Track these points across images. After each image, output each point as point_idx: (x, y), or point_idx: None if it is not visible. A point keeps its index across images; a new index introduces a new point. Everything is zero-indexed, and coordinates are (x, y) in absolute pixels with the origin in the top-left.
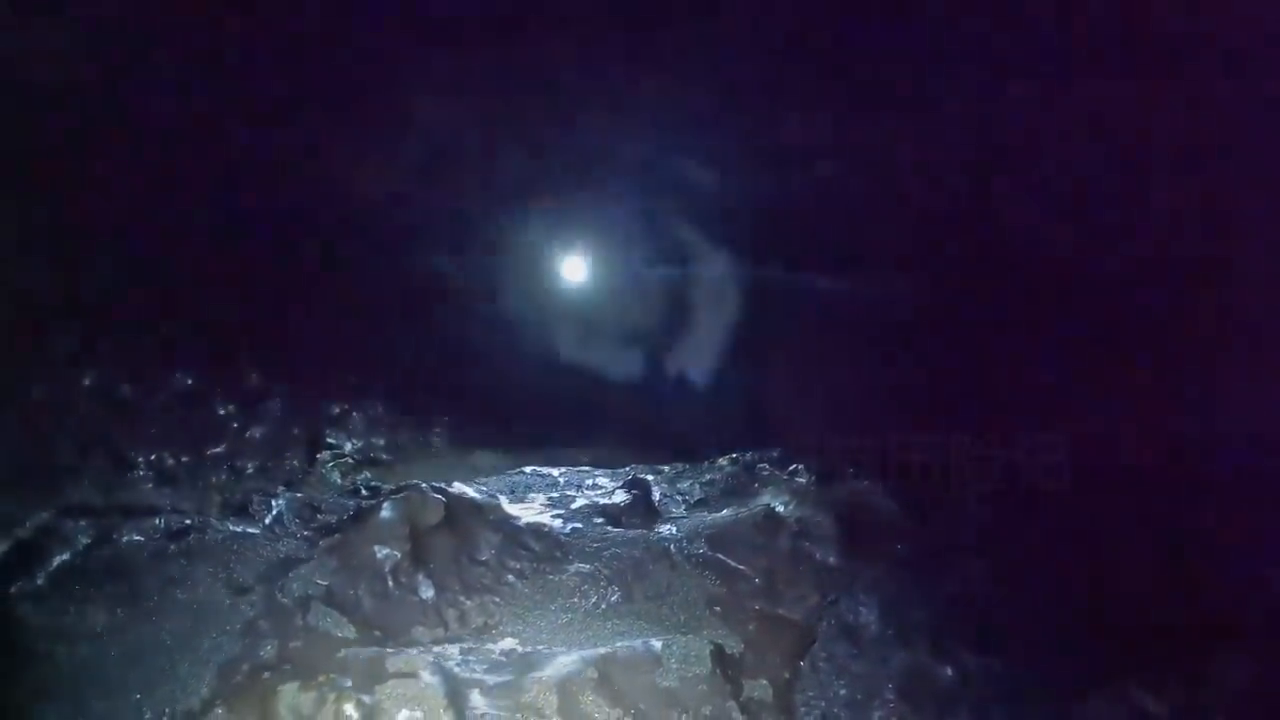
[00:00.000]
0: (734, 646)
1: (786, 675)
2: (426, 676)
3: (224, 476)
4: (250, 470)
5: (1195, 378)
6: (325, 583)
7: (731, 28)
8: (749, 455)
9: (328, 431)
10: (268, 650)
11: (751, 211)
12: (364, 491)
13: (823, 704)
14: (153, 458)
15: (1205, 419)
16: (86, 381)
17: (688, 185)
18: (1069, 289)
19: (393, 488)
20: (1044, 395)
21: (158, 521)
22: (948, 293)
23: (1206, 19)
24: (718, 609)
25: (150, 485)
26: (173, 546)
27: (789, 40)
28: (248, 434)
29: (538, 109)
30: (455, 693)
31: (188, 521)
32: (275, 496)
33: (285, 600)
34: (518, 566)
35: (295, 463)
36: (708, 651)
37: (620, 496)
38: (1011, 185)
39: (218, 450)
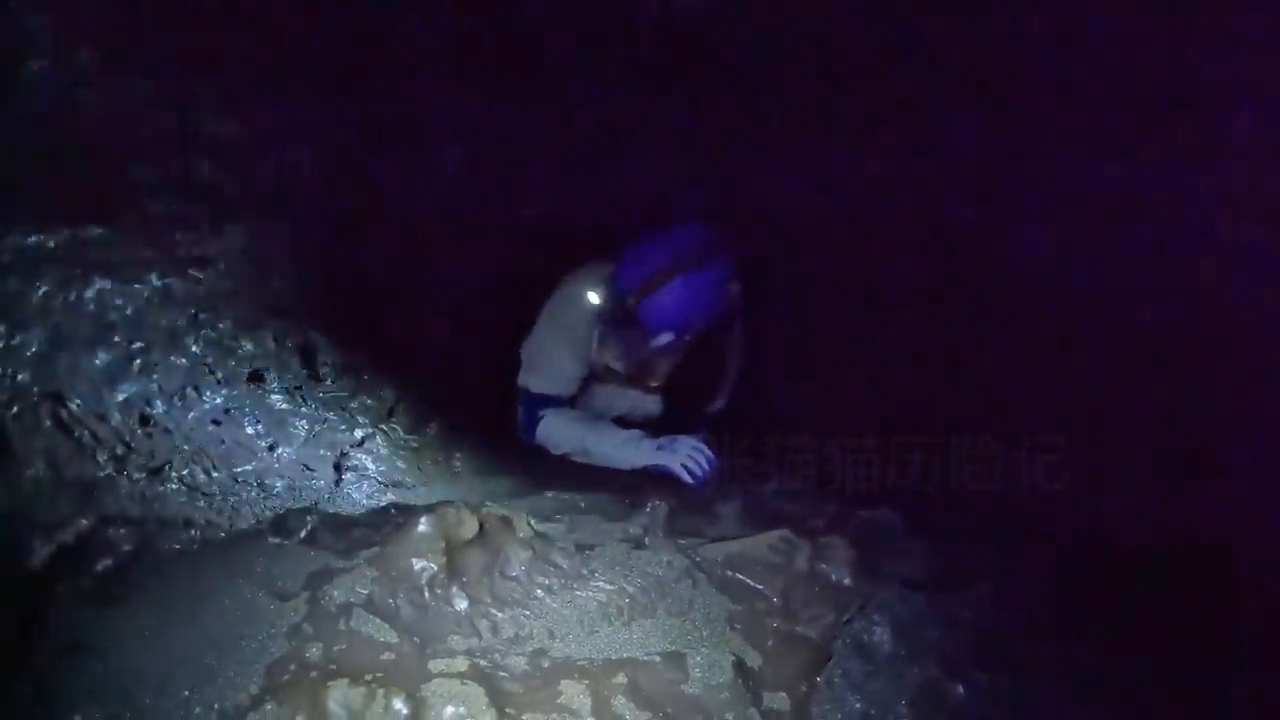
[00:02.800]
0: (754, 660)
1: (804, 688)
2: (467, 678)
3: (254, 493)
4: (279, 488)
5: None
6: (365, 591)
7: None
8: (768, 485)
9: (353, 452)
10: (314, 652)
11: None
12: (393, 511)
13: (838, 716)
14: (185, 472)
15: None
16: (121, 396)
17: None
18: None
19: (426, 505)
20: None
21: (194, 533)
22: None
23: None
24: (738, 626)
25: (184, 499)
26: (214, 556)
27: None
28: (276, 453)
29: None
30: (496, 692)
31: (222, 534)
32: (309, 512)
33: (328, 606)
34: (546, 582)
35: (322, 482)
36: (730, 664)
37: (643, 519)
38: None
39: (246, 468)
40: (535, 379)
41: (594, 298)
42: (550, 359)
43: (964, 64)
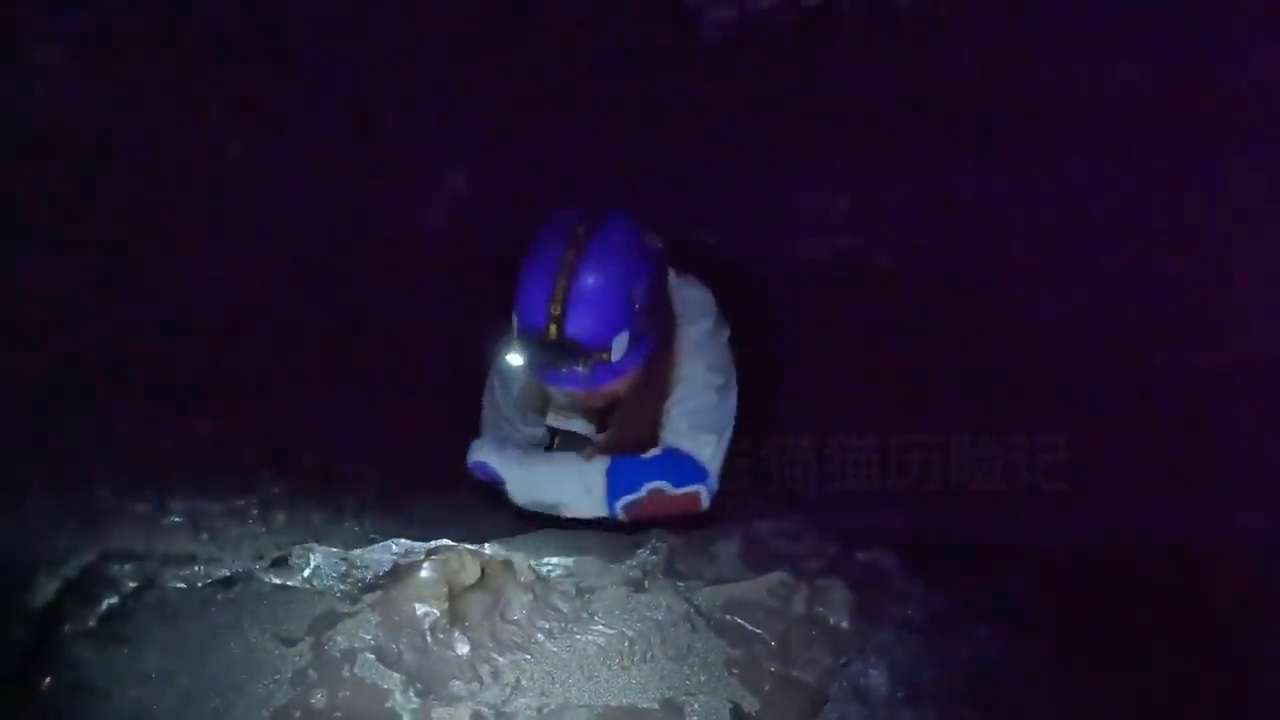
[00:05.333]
0: (751, 706)
1: None
2: None
3: (255, 526)
4: (280, 522)
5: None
6: (369, 637)
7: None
8: (765, 524)
9: (349, 488)
10: (318, 698)
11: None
12: (394, 548)
13: None
14: (186, 506)
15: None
16: (123, 429)
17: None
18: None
19: (429, 547)
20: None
21: (198, 569)
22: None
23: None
24: (735, 670)
25: (185, 533)
26: (218, 595)
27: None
28: (274, 488)
29: None
30: None
31: (225, 572)
32: (311, 551)
33: (332, 652)
34: (546, 626)
35: (318, 516)
36: (727, 710)
37: (642, 561)
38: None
39: (246, 501)
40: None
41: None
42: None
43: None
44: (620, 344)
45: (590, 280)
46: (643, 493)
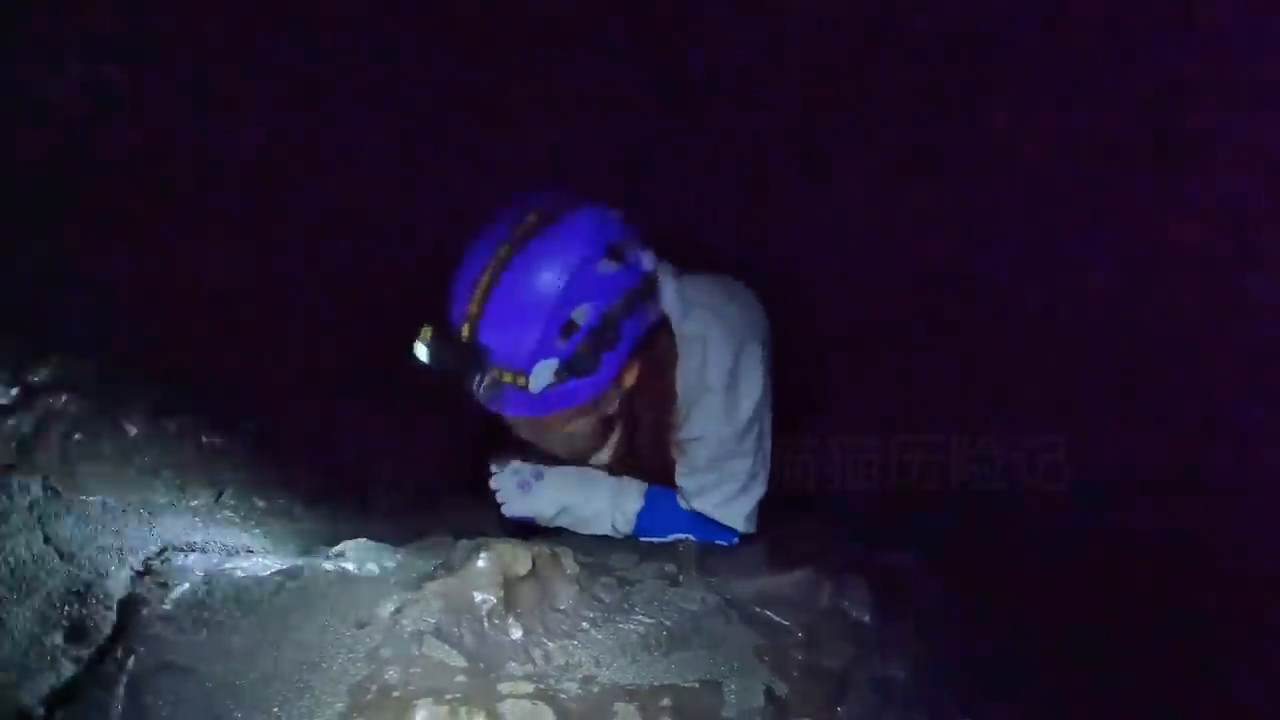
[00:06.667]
0: (781, 690)
1: (826, 716)
2: (535, 699)
3: (299, 523)
4: (322, 518)
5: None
6: (433, 620)
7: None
8: (786, 527)
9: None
10: (392, 674)
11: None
12: (440, 545)
13: None
14: (237, 502)
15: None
16: (172, 429)
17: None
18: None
19: (478, 542)
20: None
21: (258, 560)
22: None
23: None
24: (766, 658)
25: (239, 527)
26: (287, 584)
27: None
28: (315, 487)
29: None
30: (561, 711)
31: (285, 564)
32: (364, 546)
33: (400, 634)
34: (591, 615)
35: (357, 515)
36: (761, 691)
37: (675, 557)
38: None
39: (289, 500)
40: None
41: None
42: None
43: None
44: (541, 374)
45: (520, 282)
46: (669, 539)
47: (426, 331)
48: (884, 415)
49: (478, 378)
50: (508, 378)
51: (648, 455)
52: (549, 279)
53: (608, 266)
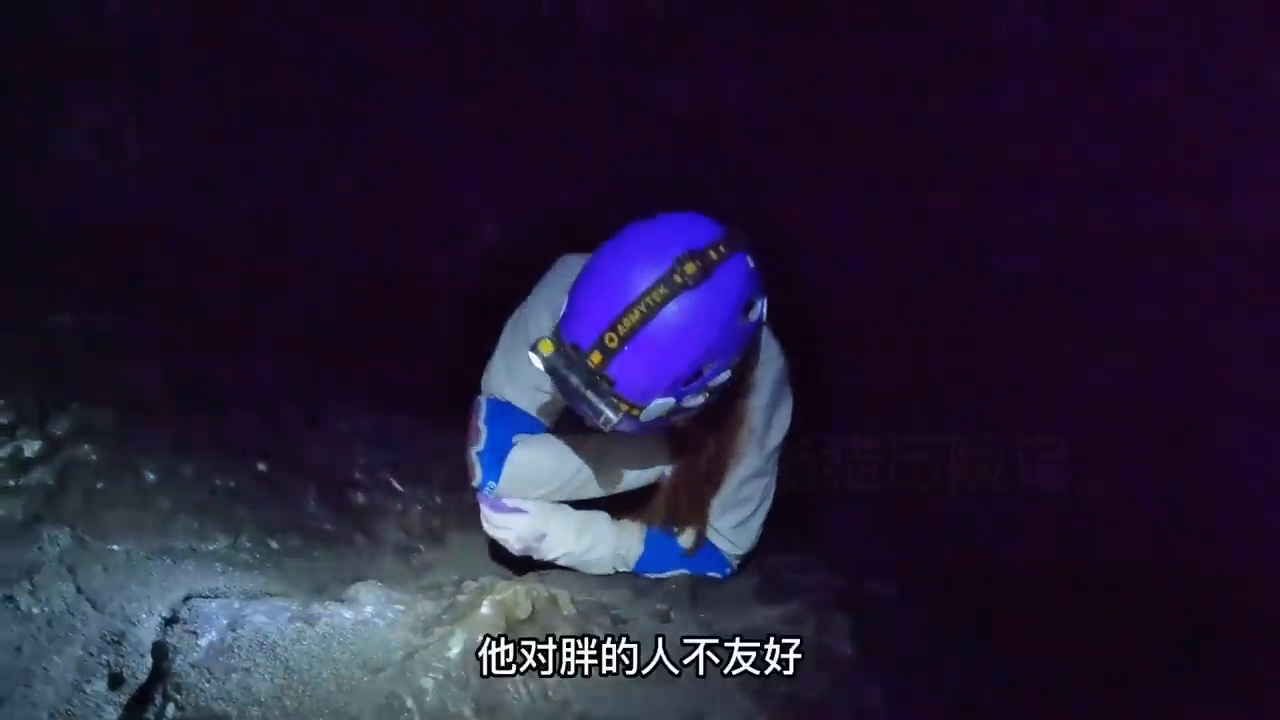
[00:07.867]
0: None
1: None
2: None
3: (310, 560)
4: (334, 557)
5: None
6: (442, 665)
7: None
8: (780, 559)
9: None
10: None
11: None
12: (447, 587)
13: None
14: (252, 545)
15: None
16: (188, 472)
17: None
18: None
19: (479, 585)
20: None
21: (280, 604)
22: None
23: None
24: (750, 690)
25: (257, 570)
26: (307, 630)
27: None
28: (325, 525)
29: None
30: None
31: (299, 606)
32: (374, 588)
33: (414, 679)
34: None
35: (366, 552)
36: None
37: (669, 597)
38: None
39: (301, 540)
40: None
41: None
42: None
43: None
44: (655, 410)
45: (668, 336)
46: (665, 574)
47: (546, 346)
48: (884, 415)
49: (594, 399)
50: (623, 406)
51: (692, 481)
52: (696, 337)
53: (742, 322)
